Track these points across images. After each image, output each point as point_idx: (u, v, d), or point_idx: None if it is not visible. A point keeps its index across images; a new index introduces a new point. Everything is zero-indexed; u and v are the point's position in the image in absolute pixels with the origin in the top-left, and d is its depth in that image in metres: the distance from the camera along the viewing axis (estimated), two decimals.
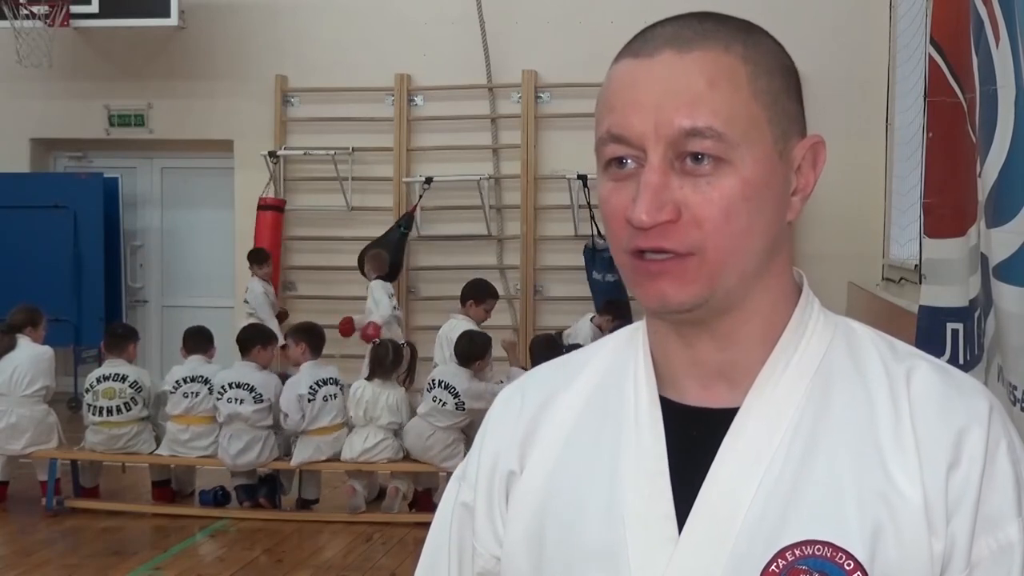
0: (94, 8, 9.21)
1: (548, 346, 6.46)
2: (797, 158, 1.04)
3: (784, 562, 0.97)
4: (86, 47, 10.07)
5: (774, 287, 1.05)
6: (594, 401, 1.11)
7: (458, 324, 7.06)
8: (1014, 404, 2.21)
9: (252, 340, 6.75)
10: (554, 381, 1.15)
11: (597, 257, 8.63)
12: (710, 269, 0.99)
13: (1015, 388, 2.21)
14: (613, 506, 1.04)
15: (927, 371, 1.03)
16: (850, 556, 0.96)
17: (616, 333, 1.17)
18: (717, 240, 0.98)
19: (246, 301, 8.72)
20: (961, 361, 2.73)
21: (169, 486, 6.85)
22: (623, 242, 1.00)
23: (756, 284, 1.03)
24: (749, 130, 0.98)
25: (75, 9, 9.15)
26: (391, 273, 8.69)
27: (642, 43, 1.02)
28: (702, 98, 0.97)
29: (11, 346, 6.76)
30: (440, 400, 6.34)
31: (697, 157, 0.97)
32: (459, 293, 9.16)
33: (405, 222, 9.23)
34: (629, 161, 1.00)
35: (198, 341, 6.92)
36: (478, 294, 7.29)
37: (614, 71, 1.03)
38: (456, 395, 6.33)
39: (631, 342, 1.13)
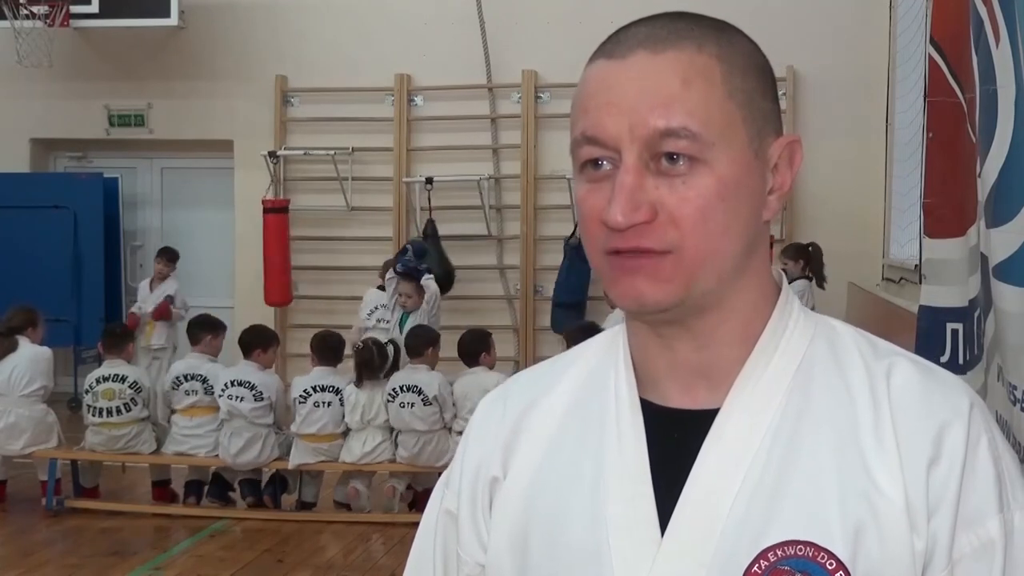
0: (94, 8, 9.21)
1: (587, 333, 6.14)
2: (773, 157, 1.03)
3: (766, 563, 0.97)
4: (86, 47, 10.08)
5: (752, 286, 1.05)
6: (576, 405, 1.11)
7: (476, 379, 6.43)
8: (1014, 404, 2.21)
9: (253, 342, 6.75)
10: (536, 386, 1.14)
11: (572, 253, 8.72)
12: (687, 269, 0.98)
13: (1015, 388, 2.21)
14: (596, 510, 1.04)
15: (907, 368, 1.03)
16: (832, 555, 0.95)
17: (597, 336, 1.17)
18: (694, 240, 0.97)
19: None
20: (961, 361, 2.73)
21: (169, 486, 6.86)
22: (599, 243, 1.00)
23: (734, 284, 1.02)
24: (724, 129, 0.98)
25: (75, 9, 9.16)
26: (448, 282, 8.67)
27: (615, 44, 1.02)
28: (676, 98, 0.97)
29: (12, 348, 6.77)
30: (408, 403, 6.31)
31: (672, 157, 0.97)
32: (459, 294, 9.20)
33: (431, 229, 9.16)
34: (604, 162, 0.99)
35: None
36: (485, 346, 6.70)
37: (588, 73, 1.03)
38: (419, 392, 6.32)
39: (612, 345, 1.12)
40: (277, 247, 9.37)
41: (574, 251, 8.83)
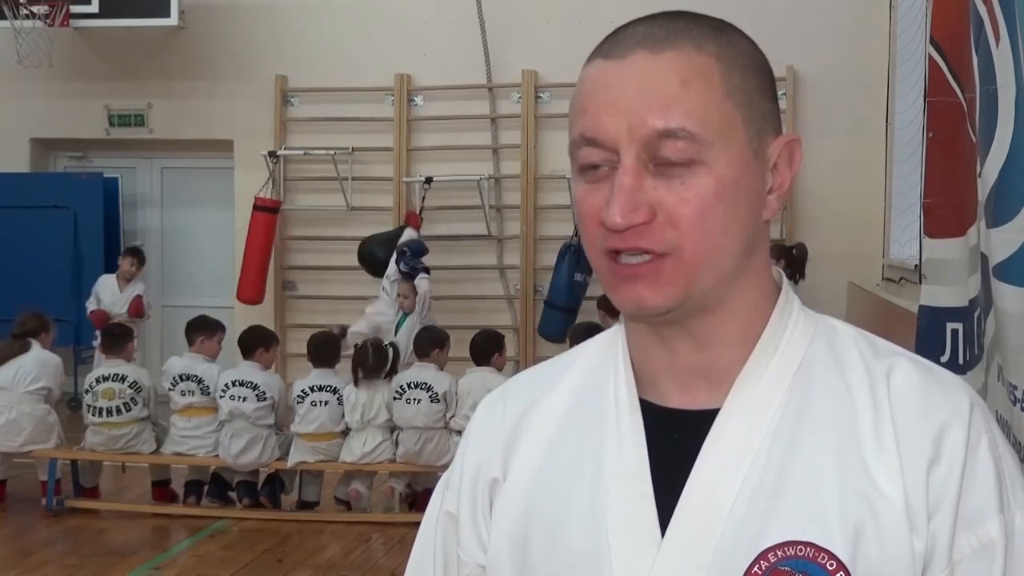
0: (94, 8, 9.21)
1: (589, 333, 6.22)
2: (772, 156, 1.03)
3: (767, 563, 0.96)
4: (86, 47, 10.07)
5: (752, 286, 1.05)
6: (576, 406, 1.11)
7: (482, 377, 6.40)
8: (1014, 404, 2.21)
9: (254, 343, 6.76)
10: (536, 387, 1.14)
11: (570, 255, 8.67)
12: (686, 270, 0.98)
13: (1015, 388, 2.21)
14: (596, 510, 1.04)
15: (907, 368, 1.03)
16: (832, 556, 0.95)
17: (597, 337, 1.16)
18: (693, 240, 0.97)
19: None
20: (961, 361, 2.73)
21: (169, 486, 6.86)
22: (598, 243, 1.00)
23: (734, 284, 1.02)
24: (723, 129, 0.98)
25: (75, 9, 9.15)
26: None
27: (613, 44, 1.01)
28: (675, 98, 0.97)
29: (23, 350, 6.82)
30: (415, 400, 6.34)
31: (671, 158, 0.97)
32: (459, 294, 9.21)
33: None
34: (603, 164, 0.99)
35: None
36: (498, 347, 6.78)
37: (586, 73, 1.02)
38: (428, 388, 6.35)
39: (611, 346, 1.12)
40: (259, 245, 9.35)
41: (565, 249, 8.81)
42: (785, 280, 1.10)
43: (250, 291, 9.38)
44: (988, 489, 0.98)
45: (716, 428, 1.02)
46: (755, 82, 1.02)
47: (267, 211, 9.45)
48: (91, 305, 8.96)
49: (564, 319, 8.72)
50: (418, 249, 7.98)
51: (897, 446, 0.98)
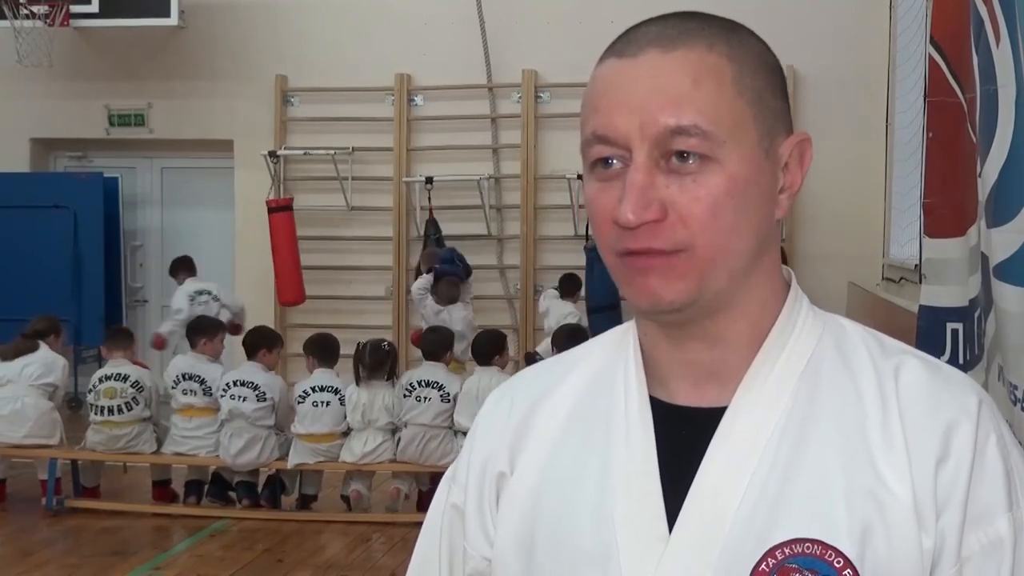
0: (94, 8, 9.21)
1: (573, 336, 6.28)
2: (784, 155, 1.04)
3: (774, 561, 0.97)
4: (86, 47, 10.08)
5: (762, 285, 1.05)
6: (584, 401, 1.11)
7: (492, 377, 6.33)
8: (1015, 404, 2.21)
9: (258, 343, 6.77)
10: (544, 382, 1.15)
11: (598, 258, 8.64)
12: (699, 267, 0.99)
13: (1015, 388, 2.21)
14: (603, 507, 1.04)
15: (915, 366, 1.03)
16: (840, 554, 0.96)
17: (606, 334, 1.17)
18: (705, 238, 0.98)
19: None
20: (961, 361, 2.73)
21: (169, 486, 6.86)
22: (611, 243, 1.01)
23: (744, 283, 1.03)
24: (734, 128, 0.99)
25: (75, 9, 9.15)
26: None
27: (626, 43, 1.02)
28: (687, 97, 0.97)
29: (32, 349, 6.85)
30: (425, 398, 6.36)
31: (683, 155, 0.97)
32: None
33: (432, 230, 9.20)
34: (615, 161, 1.00)
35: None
36: (501, 347, 6.77)
37: (598, 72, 1.03)
38: (440, 388, 6.37)
39: (621, 342, 1.13)
40: (286, 245, 9.29)
41: (593, 253, 8.81)
42: (794, 279, 1.10)
43: (290, 293, 9.30)
44: (997, 486, 0.98)
45: (723, 426, 1.02)
46: (766, 81, 1.03)
47: (283, 210, 9.37)
48: (180, 318, 8.71)
49: (607, 318, 8.66)
50: (448, 258, 8.11)
51: (905, 444, 0.98)
